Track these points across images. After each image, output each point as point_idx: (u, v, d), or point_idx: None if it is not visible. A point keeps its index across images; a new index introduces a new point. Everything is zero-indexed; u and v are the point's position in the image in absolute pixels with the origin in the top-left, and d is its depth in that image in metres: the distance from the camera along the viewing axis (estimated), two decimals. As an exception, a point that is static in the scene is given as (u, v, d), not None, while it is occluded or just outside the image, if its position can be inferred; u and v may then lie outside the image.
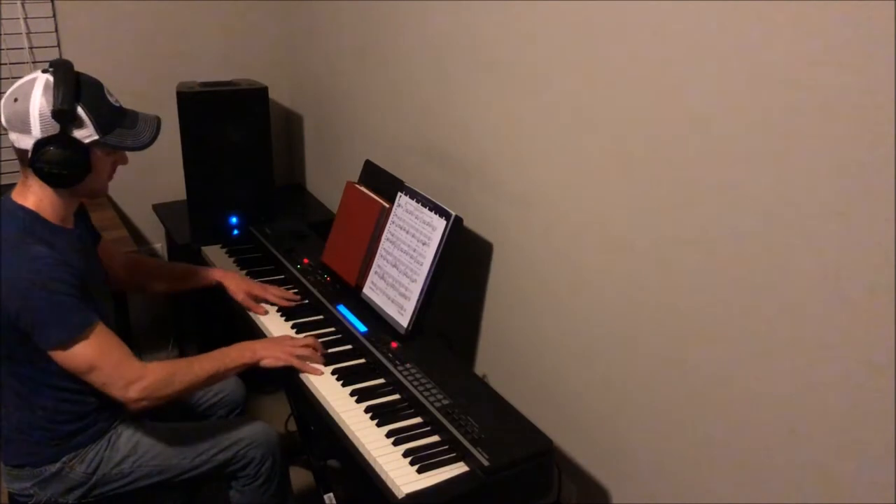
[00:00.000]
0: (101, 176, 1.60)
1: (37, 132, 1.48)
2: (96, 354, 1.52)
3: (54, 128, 1.49)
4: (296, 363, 1.74)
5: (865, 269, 1.14)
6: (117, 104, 1.60)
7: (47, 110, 1.48)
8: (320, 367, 1.76)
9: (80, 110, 1.51)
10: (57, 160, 1.49)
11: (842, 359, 1.19)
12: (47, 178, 1.51)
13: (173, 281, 2.07)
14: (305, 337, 1.85)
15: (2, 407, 1.65)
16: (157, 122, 1.65)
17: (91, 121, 1.52)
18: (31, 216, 1.54)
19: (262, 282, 2.13)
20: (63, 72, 1.50)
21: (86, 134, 1.53)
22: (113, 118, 1.57)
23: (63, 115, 1.48)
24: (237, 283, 2.06)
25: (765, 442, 1.35)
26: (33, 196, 1.56)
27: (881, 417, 1.15)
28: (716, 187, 1.35)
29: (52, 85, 1.49)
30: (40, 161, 1.49)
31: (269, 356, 1.74)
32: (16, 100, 1.50)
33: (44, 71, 1.53)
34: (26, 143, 1.49)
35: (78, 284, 1.51)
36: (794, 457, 1.30)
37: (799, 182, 1.20)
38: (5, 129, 1.52)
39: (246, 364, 1.72)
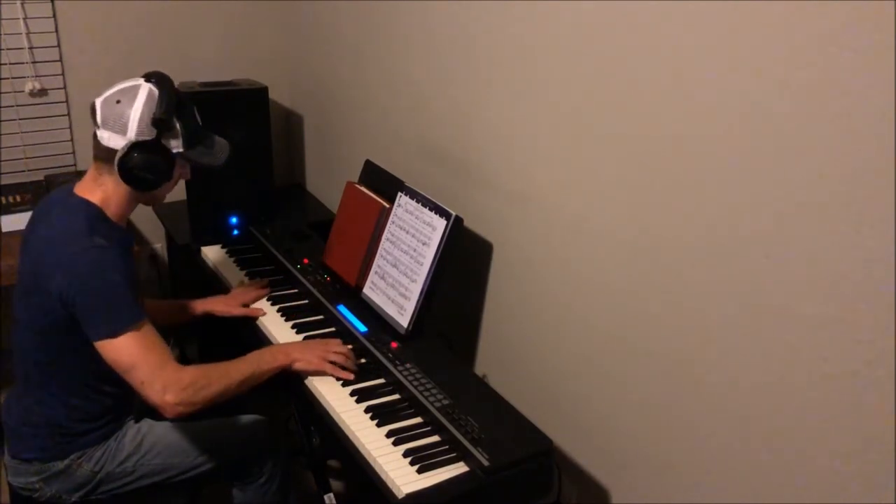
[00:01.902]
0: (170, 185, 1.68)
1: (132, 134, 1.56)
2: (140, 351, 1.53)
3: (150, 133, 1.57)
4: (328, 368, 1.73)
5: (866, 269, 1.14)
6: (201, 123, 1.69)
7: (147, 116, 1.56)
8: (350, 375, 1.74)
9: (176, 122, 1.61)
10: (145, 164, 1.57)
11: (842, 359, 1.19)
12: (132, 178, 1.58)
13: (160, 317, 1.97)
14: (338, 343, 1.82)
15: (20, 398, 1.67)
16: (230, 148, 1.75)
17: (182, 134, 1.61)
18: (96, 211, 1.60)
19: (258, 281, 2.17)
20: (167, 84, 1.61)
21: (175, 145, 1.62)
22: (198, 135, 1.67)
23: (163, 123, 1.57)
24: (224, 304, 2.04)
25: (765, 441, 1.35)
26: (101, 192, 1.62)
27: (881, 417, 1.15)
28: (717, 187, 1.35)
29: (155, 94, 1.58)
30: (130, 162, 1.56)
31: (302, 359, 1.73)
32: (118, 101, 1.57)
33: (146, 80, 1.61)
34: (117, 142, 1.56)
35: (131, 279, 1.56)
36: (795, 457, 1.30)
37: (800, 182, 1.20)
38: (97, 125, 1.57)
39: (281, 366, 1.72)
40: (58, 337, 1.58)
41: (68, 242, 1.54)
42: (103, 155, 1.59)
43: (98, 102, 1.59)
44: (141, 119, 1.56)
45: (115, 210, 1.63)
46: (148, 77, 1.63)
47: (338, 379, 1.73)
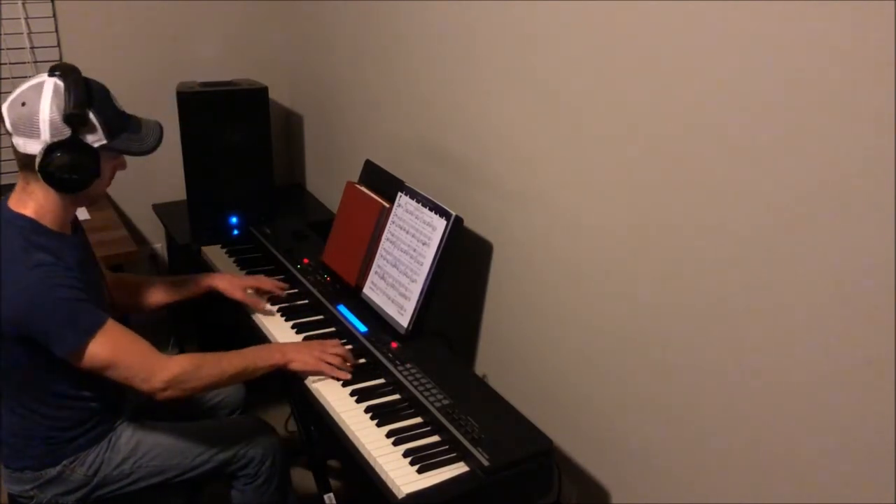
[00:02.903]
0: (104, 181, 1.59)
1: (46, 136, 1.46)
2: (113, 351, 1.52)
3: (64, 132, 1.47)
4: (325, 369, 1.72)
5: (865, 268, 1.14)
6: (122, 109, 1.59)
7: (58, 114, 1.46)
8: (347, 375, 1.73)
9: (90, 115, 1.49)
10: (68, 165, 1.47)
11: (842, 358, 1.19)
12: (57, 183, 1.49)
13: (164, 294, 1.98)
14: (336, 345, 1.82)
15: (2, 412, 1.64)
16: (160, 128, 1.64)
17: (100, 125, 1.51)
18: (32, 224, 1.52)
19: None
20: (73, 76, 1.49)
21: (95, 138, 1.51)
22: (120, 123, 1.56)
23: (76, 119, 1.46)
24: (230, 283, 2.01)
25: (765, 442, 1.35)
26: (34, 203, 1.53)
27: (881, 417, 1.15)
28: (717, 186, 1.35)
29: (61, 89, 1.47)
30: (51, 166, 1.46)
31: (298, 359, 1.72)
32: (23, 104, 1.47)
33: (50, 74, 1.50)
34: (33, 147, 1.47)
35: (82, 288, 1.51)
36: (795, 457, 1.30)
37: (800, 182, 1.20)
38: (9, 133, 1.49)
39: (275, 365, 1.71)
40: (16, 354, 1.52)
41: (7, 266, 1.47)
42: (24, 162, 1.49)
43: (4, 108, 1.48)
44: (52, 118, 1.45)
45: (52, 218, 1.53)
46: (52, 71, 1.50)
47: (337, 379, 1.73)
